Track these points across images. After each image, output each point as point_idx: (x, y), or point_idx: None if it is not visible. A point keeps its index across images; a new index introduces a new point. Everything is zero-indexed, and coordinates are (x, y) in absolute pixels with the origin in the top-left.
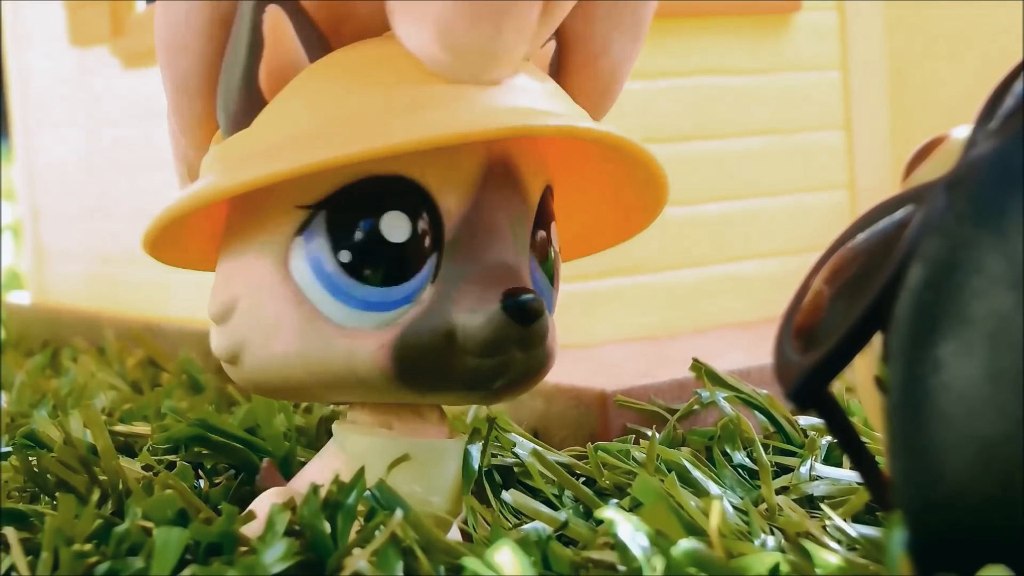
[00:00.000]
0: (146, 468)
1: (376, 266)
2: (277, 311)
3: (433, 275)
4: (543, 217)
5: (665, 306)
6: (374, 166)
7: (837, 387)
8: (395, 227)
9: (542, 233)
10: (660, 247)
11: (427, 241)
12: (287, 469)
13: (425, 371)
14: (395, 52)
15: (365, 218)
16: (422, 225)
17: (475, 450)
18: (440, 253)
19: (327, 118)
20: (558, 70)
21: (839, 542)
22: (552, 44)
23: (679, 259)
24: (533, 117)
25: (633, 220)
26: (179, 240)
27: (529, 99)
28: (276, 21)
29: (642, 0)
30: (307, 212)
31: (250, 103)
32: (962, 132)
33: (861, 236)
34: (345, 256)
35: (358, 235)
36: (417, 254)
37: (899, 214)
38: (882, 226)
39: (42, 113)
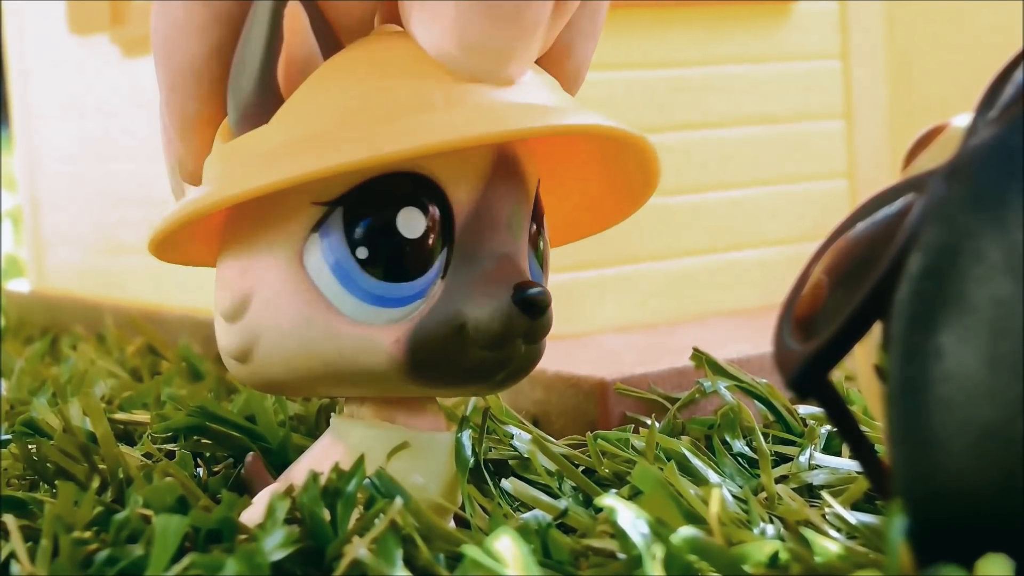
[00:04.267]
0: (146, 456)
1: (394, 262)
2: (292, 308)
3: (443, 269)
4: (536, 208)
5: (665, 294)
6: (391, 163)
7: (836, 376)
8: (411, 222)
9: (534, 225)
10: (660, 236)
11: (439, 236)
12: (284, 457)
13: (436, 364)
14: (409, 49)
15: (381, 214)
16: (435, 220)
17: (466, 439)
18: (451, 247)
19: (350, 117)
20: None
21: (839, 530)
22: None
23: (679, 248)
24: (551, 116)
25: (624, 203)
26: (178, 241)
27: (539, 96)
28: (295, 17)
29: (598, 2)
30: (323, 209)
31: (266, 100)
32: (962, 121)
33: (861, 225)
34: (363, 252)
35: (375, 231)
36: (431, 249)
37: (899, 203)
38: (882, 215)
39: (42, 101)
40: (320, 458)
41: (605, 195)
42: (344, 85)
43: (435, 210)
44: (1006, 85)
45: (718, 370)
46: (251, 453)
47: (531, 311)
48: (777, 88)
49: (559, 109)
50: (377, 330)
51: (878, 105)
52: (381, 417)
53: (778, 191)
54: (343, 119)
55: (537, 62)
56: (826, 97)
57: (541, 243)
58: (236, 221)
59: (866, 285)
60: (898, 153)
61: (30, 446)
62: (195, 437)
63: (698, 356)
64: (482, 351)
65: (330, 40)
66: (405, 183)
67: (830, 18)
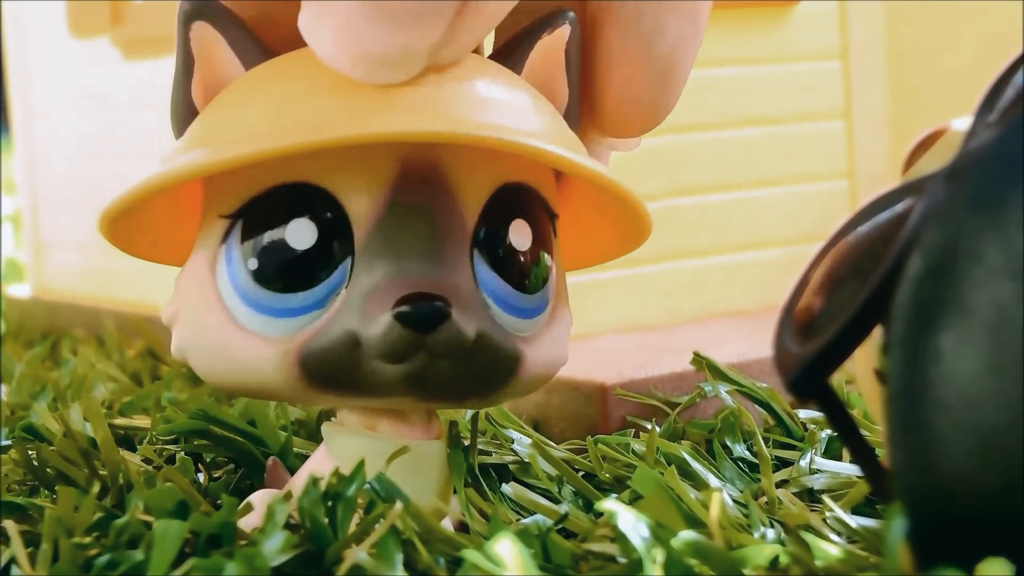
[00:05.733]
0: (146, 460)
1: (280, 273)
2: (203, 320)
3: (347, 281)
4: (504, 215)
5: (665, 297)
6: (283, 174)
7: (836, 379)
8: (300, 234)
9: (515, 232)
10: (659, 237)
11: (336, 248)
12: (285, 462)
13: (335, 377)
14: (308, 57)
15: (272, 226)
16: (329, 232)
17: (456, 444)
18: (353, 259)
19: (218, 128)
20: (602, 60)
21: (839, 534)
22: (565, 30)
23: (678, 249)
24: (414, 123)
25: (612, 244)
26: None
27: (446, 103)
28: (204, 38)
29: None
30: (228, 222)
31: (186, 116)
32: (962, 123)
33: (861, 228)
34: (253, 264)
35: (264, 243)
36: (325, 261)
37: (899, 206)
38: (882, 218)
39: (42, 104)
40: (316, 467)
41: (594, 234)
42: (240, 94)
43: (329, 222)
44: (1006, 87)
45: (718, 374)
46: (271, 458)
47: (416, 325)
48: (777, 89)
49: (455, 119)
50: (273, 341)
51: (878, 106)
52: (365, 425)
53: (778, 192)
54: (230, 126)
55: (615, 46)
56: (826, 98)
57: (544, 260)
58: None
59: (866, 288)
60: (898, 154)
61: (30, 451)
62: (196, 441)
63: (698, 359)
64: (383, 364)
65: (255, 51)
66: (297, 195)
67: (830, 18)
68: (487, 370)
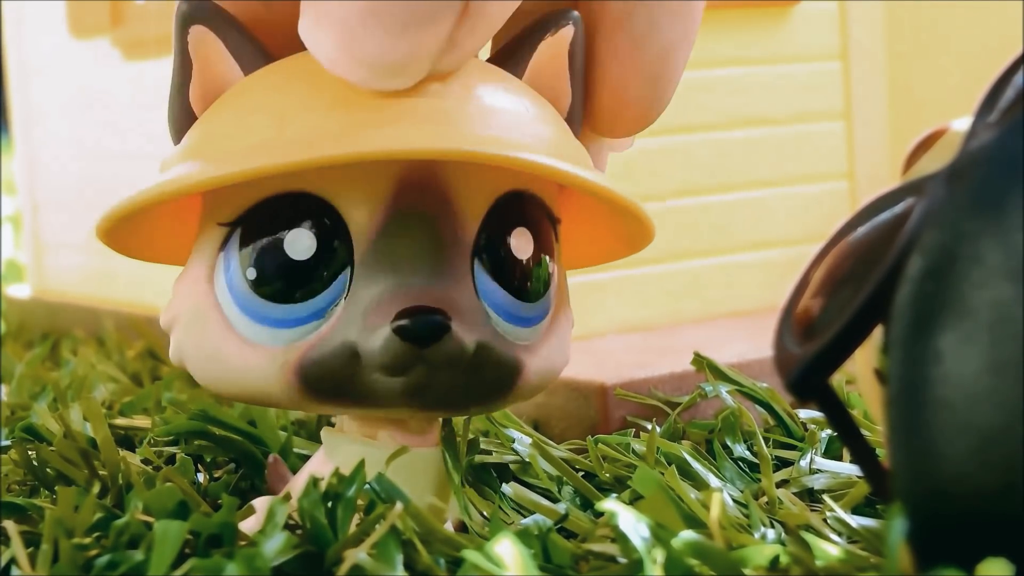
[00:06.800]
0: (146, 461)
1: (279, 283)
2: (201, 327)
3: (346, 291)
4: (505, 223)
5: (665, 297)
6: (282, 183)
7: (837, 379)
8: (299, 244)
9: (516, 240)
10: (660, 238)
11: (335, 258)
12: (285, 461)
13: (334, 388)
14: (308, 63)
15: (270, 236)
16: (329, 242)
17: (451, 446)
18: (352, 269)
19: (218, 139)
20: (595, 60)
21: (839, 534)
22: (569, 31)
23: (679, 250)
24: (415, 139)
25: (613, 246)
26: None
27: (433, 113)
28: (202, 41)
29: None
30: (226, 230)
31: (184, 121)
32: (962, 124)
33: (861, 228)
34: (251, 273)
35: (263, 253)
36: (324, 271)
37: (899, 206)
38: (882, 218)
39: (42, 104)
40: (316, 468)
41: (603, 233)
42: (241, 102)
43: (329, 232)
44: (1006, 88)
45: (719, 374)
46: (272, 455)
47: (414, 338)
48: (777, 89)
49: (455, 135)
50: (270, 351)
51: (878, 107)
52: (364, 432)
53: (778, 193)
54: (230, 137)
55: (608, 46)
56: (826, 98)
57: (546, 264)
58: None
59: (866, 288)
60: (898, 155)
61: (30, 451)
62: (196, 442)
63: (699, 360)
64: (383, 376)
65: (255, 56)
66: (297, 204)
67: (830, 18)
68: (487, 380)
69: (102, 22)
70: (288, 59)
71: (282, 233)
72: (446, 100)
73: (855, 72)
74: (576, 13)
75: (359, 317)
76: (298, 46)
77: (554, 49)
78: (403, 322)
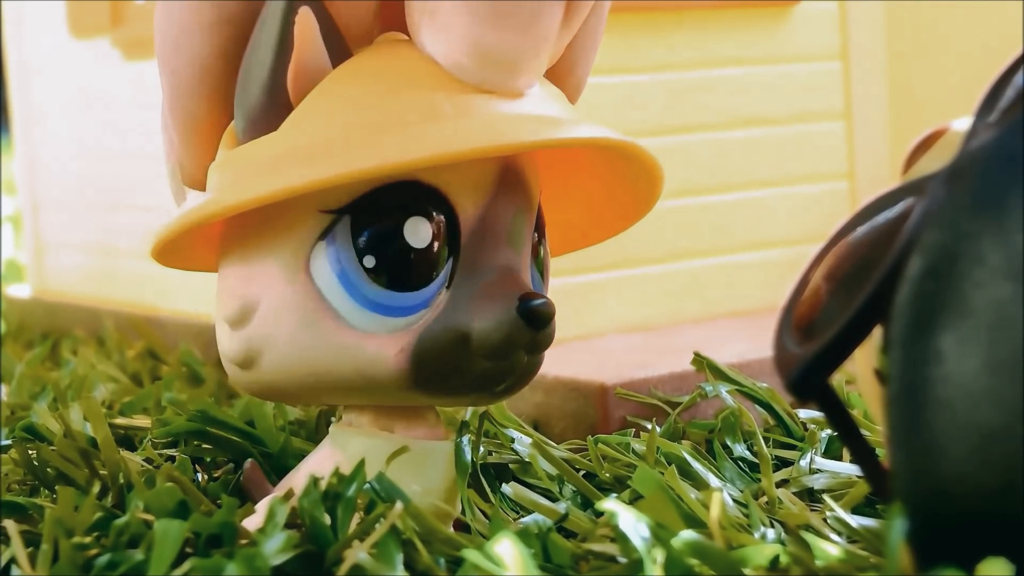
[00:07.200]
0: (146, 461)
1: (400, 271)
2: (297, 316)
3: (449, 279)
4: (538, 218)
5: (665, 297)
6: (394, 172)
7: (837, 379)
8: (418, 232)
9: (536, 235)
10: (660, 238)
11: (445, 245)
12: (284, 462)
13: (440, 374)
14: (417, 58)
15: (389, 223)
16: (441, 230)
17: (466, 443)
18: (456, 257)
19: (358, 126)
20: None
21: (839, 534)
22: None
23: (679, 250)
24: (559, 129)
25: (625, 214)
26: (180, 246)
27: (546, 107)
28: (306, 23)
29: (599, 18)
30: (331, 217)
31: (275, 107)
32: (962, 124)
33: (861, 228)
34: (370, 261)
35: (382, 240)
36: (437, 259)
37: (899, 206)
38: (882, 218)
39: (43, 104)
40: (319, 466)
41: (607, 205)
42: (352, 94)
43: (441, 220)
44: (1006, 88)
45: (719, 374)
46: (249, 460)
47: (535, 323)
48: (777, 90)
49: (566, 121)
50: (382, 339)
51: (878, 107)
52: (379, 426)
53: (778, 193)
54: (351, 128)
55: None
56: (826, 98)
57: (542, 252)
58: (240, 227)
59: (866, 288)
60: (898, 155)
61: (30, 451)
62: (195, 441)
63: (699, 360)
64: (485, 361)
65: (340, 47)
66: (412, 192)
67: (830, 19)
68: (539, 365)
69: (102, 22)
70: (377, 56)
71: (401, 220)
72: (527, 97)
73: (855, 72)
74: None
75: (467, 302)
76: (359, 38)
77: None
78: (530, 304)
